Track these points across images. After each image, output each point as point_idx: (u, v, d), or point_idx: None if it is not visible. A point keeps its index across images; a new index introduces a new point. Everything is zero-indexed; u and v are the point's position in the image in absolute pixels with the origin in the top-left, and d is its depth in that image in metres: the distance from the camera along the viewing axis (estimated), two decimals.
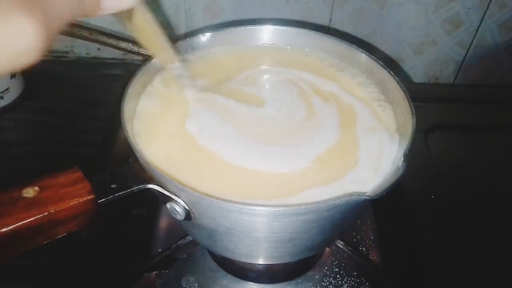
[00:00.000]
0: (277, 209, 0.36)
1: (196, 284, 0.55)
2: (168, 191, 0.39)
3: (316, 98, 0.51)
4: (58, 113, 0.77)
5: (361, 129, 0.48)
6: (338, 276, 0.56)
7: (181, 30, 0.83)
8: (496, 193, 0.63)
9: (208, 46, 0.56)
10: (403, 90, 0.46)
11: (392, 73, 0.48)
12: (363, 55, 0.52)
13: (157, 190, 0.40)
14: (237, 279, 0.56)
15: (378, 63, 0.50)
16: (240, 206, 0.36)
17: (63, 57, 0.89)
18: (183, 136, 0.47)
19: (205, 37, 0.55)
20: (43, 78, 0.83)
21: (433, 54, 0.84)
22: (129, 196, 0.61)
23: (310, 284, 0.55)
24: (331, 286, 0.55)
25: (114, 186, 0.39)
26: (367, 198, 0.37)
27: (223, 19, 0.80)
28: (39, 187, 0.35)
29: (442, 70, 0.86)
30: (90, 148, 0.70)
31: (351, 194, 0.37)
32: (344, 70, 0.55)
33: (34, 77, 0.81)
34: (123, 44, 0.73)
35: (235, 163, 0.44)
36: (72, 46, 0.88)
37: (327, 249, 0.58)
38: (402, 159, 0.40)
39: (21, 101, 0.78)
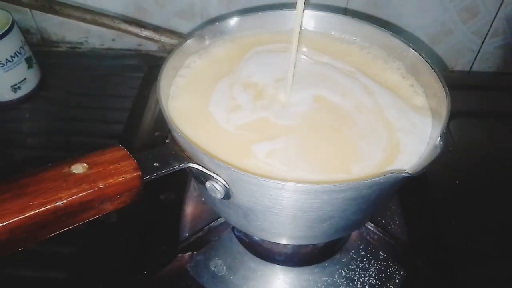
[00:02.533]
0: (319, 186, 0.37)
1: (224, 267, 0.56)
2: (209, 170, 0.40)
3: (351, 82, 0.52)
4: (73, 103, 0.78)
5: (395, 112, 0.48)
6: (365, 259, 0.57)
7: (197, 20, 0.84)
8: None
9: (237, 31, 0.56)
10: (435, 72, 0.46)
11: (424, 55, 0.49)
12: (394, 38, 0.52)
13: (198, 169, 0.40)
14: (265, 262, 0.56)
15: (409, 45, 0.51)
16: (282, 183, 0.37)
17: (77, 48, 0.90)
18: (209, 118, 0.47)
19: (233, 22, 0.55)
20: (58, 69, 0.84)
21: (450, 43, 0.84)
22: (158, 181, 0.63)
23: (337, 267, 0.56)
24: (358, 269, 0.56)
25: (157, 164, 0.39)
26: (407, 175, 0.37)
27: (238, 7, 0.80)
28: (87, 163, 0.35)
29: (457, 59, 0.87)
30: (108, 138, 0.70)
31: (391, 172, 0.37)
32: (375, 55, 0.55)
33: (49, 68, 0.81)
34: (144, 32, 0.73)
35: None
36: (86, 37, 0.88)
37: (354, 233, 0.58)
38: (440, 137, 0.40)
39: (37, 92, 0.78)
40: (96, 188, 0.34)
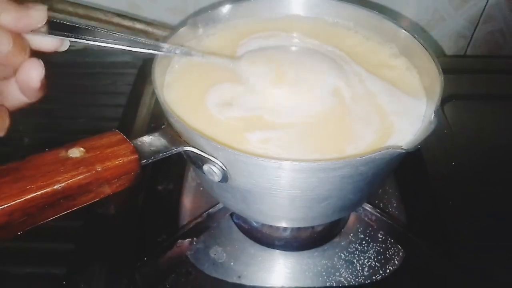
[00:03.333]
0: (316, 164, 0.37)
1: (224, 254, 0.56)
2: (205, 153, 0.40)
3: (344, 64, 0.52)
4: (67, 101, 0.77)
5: (386, 97, 0.49)
6: (363, 242, 0.57)
7: (189, 13, 0.84)
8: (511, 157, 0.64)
9: (229, 19, 0.56)
10: (428, 52, 0.47)
11: (416, 36, 0.49)
12: (386, 20, 0.53)
13: (195, 152, 0.40)
14: (265, 248, 0.57)
15: (402, 27, 0.51)
16: (279, 162, 0.37)
17: (71, 45, 0.89)
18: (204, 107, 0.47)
19: (226, 9, 0.56)
20: (51, 67, 0.83)
21: (443, 30, 0.85)
22: (154, 171, 0.63)
23: (337, 250, 0.56)
24: (357, 252, 0.56)
25: (154, 148, 0.39)
26: (403, 151, 0.38)
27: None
28: (84, 148, 0.35)
29: (451, 46, 0.88)
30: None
31: (387, 148, 0.38)
32: (368, 38, 0.56)
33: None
34: (138, 25, 0.73)
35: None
36: None
37: (352, 216, 0.59)
38: (434, 114, 0.41)
39: None
40: (94, 171, 0.34)
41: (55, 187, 0.32)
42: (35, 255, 0.55)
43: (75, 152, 0.35)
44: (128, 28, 0.74)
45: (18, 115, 0.74)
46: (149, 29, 0.75)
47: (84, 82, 0.82)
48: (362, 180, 0.42)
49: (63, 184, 0.33)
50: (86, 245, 0.54)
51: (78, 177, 0.33)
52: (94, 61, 0.86)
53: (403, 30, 0.51)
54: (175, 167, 0.65)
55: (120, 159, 0.36)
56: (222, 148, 0.38)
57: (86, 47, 0.88)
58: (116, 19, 0.72)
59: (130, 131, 0.70)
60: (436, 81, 0.44)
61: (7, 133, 0.39)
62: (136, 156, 0.37)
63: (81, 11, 0.71)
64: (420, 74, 0.50)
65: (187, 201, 0.61)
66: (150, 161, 0.38)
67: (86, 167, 0.34)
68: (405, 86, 0.49)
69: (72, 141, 0.68)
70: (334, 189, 0.42)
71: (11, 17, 0.35)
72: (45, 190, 0.32)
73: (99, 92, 0.80)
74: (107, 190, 0.36)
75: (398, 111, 0.46)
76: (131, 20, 0.73)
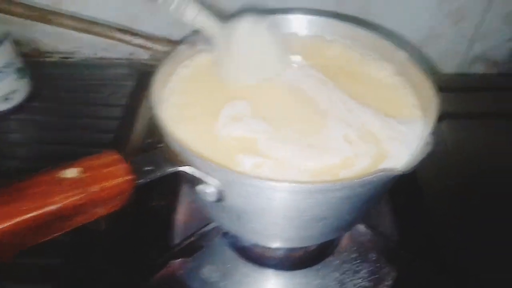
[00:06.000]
0: (313, 186, 0.37)
1: (216, 273, 0.55)
2: (201, 172, 0.40)
3: (339, 79, 0.53)
4: (65, 113, 0.77)
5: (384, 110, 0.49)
6: (357, 261, 0.57)
7: (190, 28, 0.84)
8: (506, 175, 0.65)
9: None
10: (424, 73, 0.47)
11: (412, 56, 0.49)
12: (383, 40, 0.54)
13: (190, 172, 0.40)
14: (257, 267, 0.56)
15: (398, 48, 0.52)
16: (276, 183, 0.37)
17: (70, 57, 0.90)
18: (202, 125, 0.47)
19: None
20: (50, 79, 0.83)
21: (439, 47, 0.85)
22: (148, 188, 0.62)
23: (330, 269, 0.56)
24: (350, 271, 0.56)
25: (149, 168, 0.39)
26: (399, 173, 0.38)
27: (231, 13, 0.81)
28: (81, 167, 0.35)
29: (447, 62, 0.88)
30: (100, 147, 0.69)
31: (382, 170, 0.38)
32: (362, 54, 0.56)
33: (40, 78, 0.81)
34: (138, 40, 0.74)
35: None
36: (78, 47, 0.88)
37: (346, 235, 0.58)
38: (430, 135, 0.41)
39: (28, 102, 0.78)
40: (91, 192, 0.34)
41: (51, 207, 0.32)
42: (23, 270, 0.54)
43: (73, 172, 0.35)
44: (127, 42, 0.74)
45: (14, 126, 0.74)
46: (148, 43, 0.75)
47: (81, 94, 0.82)
48: (358, 201, 0.42)
49: (59, 204, 0.33)
50: (75, 262, 0.54)
51: (74, 198, 0.33)
52: (92, 72, 0.87)
53: (400, 50, 0.52)
54: (169, 183, 0.64)
55: (116, 179, 0.36)
56: (218, 168, 0.38)
57: (85, 59, 0.89)
58: (116, 34, 0.73)
59: (125, 144, 0.70)
60: (432, 102, 0.45)
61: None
62: (132, 176, 0.37)
63: (81, 25, 0.71)
64: (417, 94, 0.50)
65: (181, 218, 0.60)
66: (146, 180, 0.38)
67: (83, 187, 0.34)
68: (401, 106, 0.50)
69: (68, 153, 0.68)
70: (331, 210, 0.42)
71: None
72: (41, 211, 0.32)
73: (97, 104, 0.80)
74: (102, 210, 0.36)
75: (391, 135, 0.46)
76: (130, 35, 0.74)
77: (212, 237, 0.58)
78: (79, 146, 0.71)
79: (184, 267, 0.55)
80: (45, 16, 0.66)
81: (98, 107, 0.79)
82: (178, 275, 0.55)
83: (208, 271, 0.56)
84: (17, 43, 0.84)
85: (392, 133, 0.46)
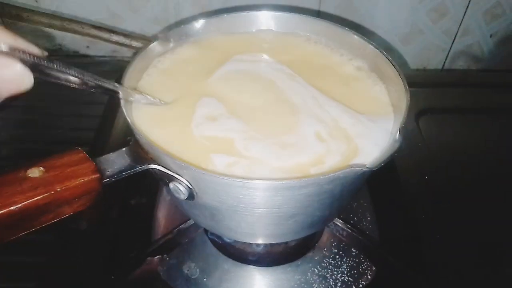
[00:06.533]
0: (279, 182, 0.37)
1: (197, 269, 0.55)
2: (171, 170, 0.40)
3: (311, 76, 0.52)
4: (45, 112, 0.77)
5: (355, 106, 0.49)
6: (337, 256, 0.57)
7: (171, 25, 0.84)
8: (485, 171, 0.65)
9: (202, 33, 0.56)
10: (395, 68, 0.47)
11: (384, 52, 0.49)
12: (355, 36, 0.53)
13: (160, 170, 0.40)
14: (238, 263, 0.56)
15: (370, 43, 0.52)
16: (243, 181, 0.37)
17: (52, 55, 0.89)
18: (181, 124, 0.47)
19: (199, 24, 0.56)
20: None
21: (421, 43, 0.85)
22: (128, 186, 0.62)
23: (310, 265, 0.56)
24: (330, 266, 0.56)
25: (118, 167, 0.39)
26: (366, 169, 0.38)
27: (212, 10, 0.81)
28: (44, 167, 0.35)
29: (429, 58, 0.88)
30: (80, 146, 0.69)
31: (350, 166, 0.38)
32: (335, 50, 0.56)
33: None
34: (115, 37, 0.73)
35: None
36: (60, 45, 0.88)
37: (326, 231, 0.58)
38: (398, 132, 0.41)
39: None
40: (53, 192, 0.34)
41: (12, 208, 0.32)
42: (5, 268, 0.54)
43: (35, 172, 0.34)
44: (105, 40, 0.73)
45: None
46: (127, 41, 0.75)
47: (62, 93, 0.81)
48: (328, 197, 0.42)
49: (19, 205, 0.32)
50: (57, 260, 0.54)
51: (36, 198, 0.33)
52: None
53: (372, 46, 0.51)
54: (149, 181, 0.64)
55: (80, 178, 0.35)
56: (187, 166, 0.38)
57: (67, 57, 0.88)
58: (93, 31, 0.72)
59: (106, 141, 0.70)
60: (402, 98, 0.44)
61: None
62: (98, 175, 0.36)
63: (56, 22, 0.71)
64: (388, 90, 0.50)
65: (161, 215, 0.60)
66: (113, 180, 0.38)
67: (44, 187, 0.34)
68: (373, 102, 0.50)
69: (49, 152, 0.68)
70: (301, 207, 0.41)
71: None
72: (0, 212, 0.32)
73: (78, 102, 0.79)
74: (68, 210, 0.36)
75: (362, 132, 0.46)
76: (108, 32, 0.73)
77: (192, 234, 0.57)
78: (59, 144, 0.70)
79: (165, 264, 0.55)
80: (20, 13, 0.66)
81: (78, 105, 0.79)
82: (158, 272, 0.55)
83: (189, 268, 0.56)
84: None
85: (363, 130, 0.46)
